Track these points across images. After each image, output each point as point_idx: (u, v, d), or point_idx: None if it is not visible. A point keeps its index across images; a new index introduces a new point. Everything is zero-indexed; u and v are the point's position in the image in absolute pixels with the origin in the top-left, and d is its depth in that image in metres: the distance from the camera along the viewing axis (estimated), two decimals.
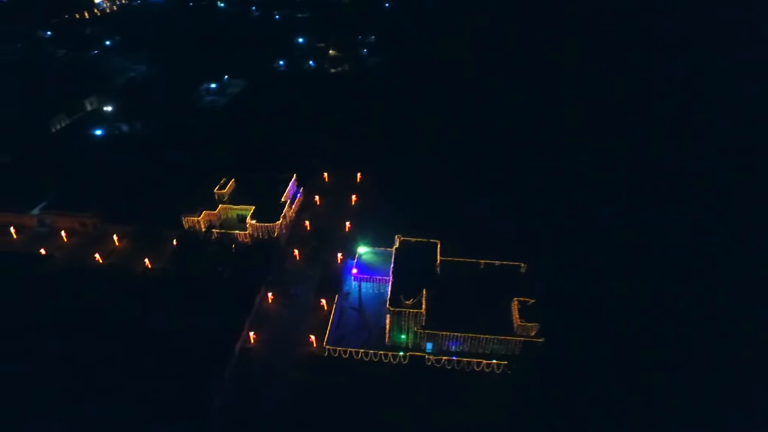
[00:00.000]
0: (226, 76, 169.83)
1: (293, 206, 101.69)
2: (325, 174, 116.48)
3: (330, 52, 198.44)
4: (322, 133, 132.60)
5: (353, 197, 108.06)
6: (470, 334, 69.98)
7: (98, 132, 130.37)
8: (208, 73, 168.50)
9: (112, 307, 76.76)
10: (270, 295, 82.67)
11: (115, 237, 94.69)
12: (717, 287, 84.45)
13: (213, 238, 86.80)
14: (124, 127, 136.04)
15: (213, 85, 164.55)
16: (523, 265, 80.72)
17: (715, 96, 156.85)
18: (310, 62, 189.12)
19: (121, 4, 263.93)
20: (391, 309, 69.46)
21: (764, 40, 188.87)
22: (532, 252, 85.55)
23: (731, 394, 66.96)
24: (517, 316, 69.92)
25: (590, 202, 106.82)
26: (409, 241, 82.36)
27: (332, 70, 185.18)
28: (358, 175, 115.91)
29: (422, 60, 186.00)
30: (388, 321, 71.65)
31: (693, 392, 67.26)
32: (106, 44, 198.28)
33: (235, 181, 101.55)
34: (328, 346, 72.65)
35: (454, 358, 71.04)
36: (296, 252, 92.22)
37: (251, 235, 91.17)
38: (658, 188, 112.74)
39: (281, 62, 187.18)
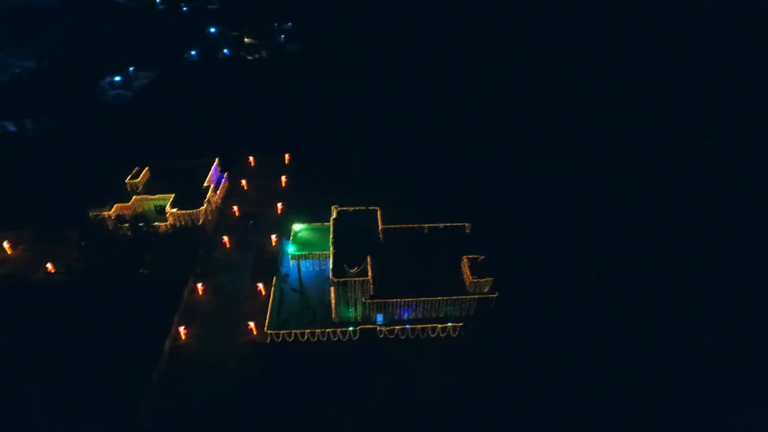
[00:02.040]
0: (131, 68, 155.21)
1: (218, 192, 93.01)
2: (251, 158, 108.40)
3: (245, 39, 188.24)
4: (243, 119, 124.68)
5: (283, 178, 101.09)
6: (422, 299, 66.14)
7: None
8: (110, 67, 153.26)
9: (10, 318, 65.35)
10: (200, 286, 74.25)
11: (5, 244, 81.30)
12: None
13: (123, 230, 76.32)
14: (11, 127, 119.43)
15: (117, 78, 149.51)
16: (467, 225, 78.18)
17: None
18: (225, 50, 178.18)
19: None
20: (334, 280, 63.94)
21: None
22: (475, 211, 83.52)
23: (692, 339, 67.46)
24: (469, 273, 67.01)
25: (530, 155, 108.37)
26: (347, 210, 77.23)
27: (249, 57, 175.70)
28: (286, 156, 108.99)
29: (342, 41, 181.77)
30: (332, 295, 66.09)
31: (646, 325, 68.05)
32: None
33: (150, 170, 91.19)
34: (269, 332, 65.86)
35: (408, 326, 66.89)
36: (225, 239, 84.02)
37: (173, 225, 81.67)
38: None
39: (193, 52, 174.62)
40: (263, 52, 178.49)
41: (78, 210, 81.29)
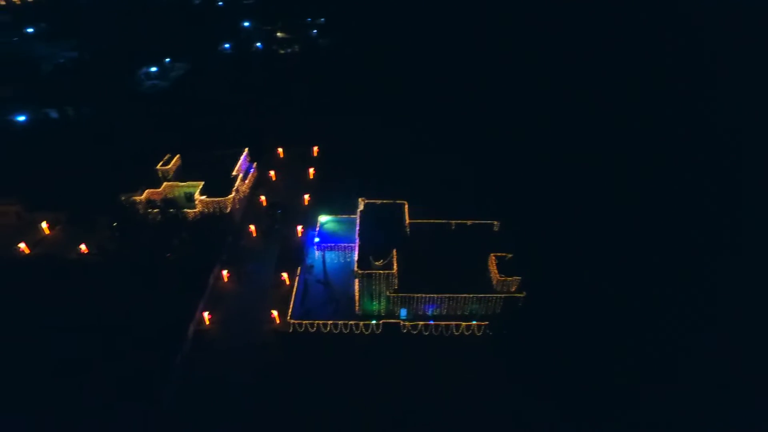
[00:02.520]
0: (167, 59, 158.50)
1: (246, 181, 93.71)
2: (280, 150, 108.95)
3: (278, 34, 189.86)
4: (274, 111, 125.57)
5: (311, 170, 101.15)
6: (447, 295, 64.87)
7: (21, 119, 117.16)
8: (147, 58, 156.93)
9: (45, 293, 67.40)
10: (225, 273, 74.85)
11: (44, 225, 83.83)
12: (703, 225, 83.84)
13: (152, 214, 77.48)
14: (53, 114, 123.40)
15: (153, 69, 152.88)
16: (496, 223, 76.51)
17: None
18: (258, 44, 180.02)
19: None
20: (359, 272, 63.31)
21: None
22: (504, 209, 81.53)
23: (731, 351, 64.37)
24: (496, 271, 65.40)
25: (562, 155, 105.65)
26: (375, 203, 76.56)
27: (281, 51, 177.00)
28: (315, 148, 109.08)
29: (375, 38, 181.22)
30: (356, 287, 65.52)
31: (678, 332, 65.10)
32: (27, 31, 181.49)
33: (181, 157, 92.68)
34: (292, 321, 65.77)
35: (431, 322, 65.73)
36: (252, 228, 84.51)
37: (202, 212, 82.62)
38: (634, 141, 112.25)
39: (227, 45, 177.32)
40: (295, 46, 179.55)
41: (111, 194, 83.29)
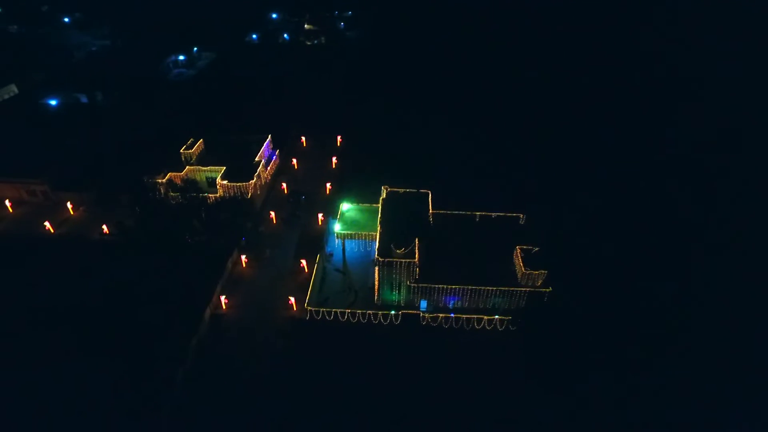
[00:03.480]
0: (195, 48, 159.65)
1: (268, 168, 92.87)
2: (303, 138, 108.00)
3: (306, 26, 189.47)
4: (299, 99, 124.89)
5: (334, 159, 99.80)
6: (470, 286, 62.47)
7: (53, 102, 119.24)
8: (175, 46, 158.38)
9: (66, 271, 67.83)
10: (244, 258, 74.03)
11: (69, 205, 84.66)
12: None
13: (174, 197, 77.18)
14: (83, 98, 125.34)
15: (181, 57, 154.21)
16: (522, 216, 73.65)
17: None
18: (285, 35, 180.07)
19: None
20: (380, 260, 61.42)
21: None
22: (531, 203, 78.67)
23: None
24: (522, 264, 62.68)
25: (589, 147, 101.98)
26: (398, 192, 74.58)
27: (308, 43, 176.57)
28: (339, 138, 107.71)
29: (403, 31, 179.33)
30: (376, 276, 63.68)
31: (716, 338, 61.25)
32: (64, 20, 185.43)
33: (204, 142, 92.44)
34: (309, 308, 64.38)
35: (452, 315, 63.44)
36: (272, 214, 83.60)
37: (222, 197, 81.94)
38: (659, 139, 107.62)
39: (254, 36, 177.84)
40: (322, 38, 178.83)
41: (134, 177, 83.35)
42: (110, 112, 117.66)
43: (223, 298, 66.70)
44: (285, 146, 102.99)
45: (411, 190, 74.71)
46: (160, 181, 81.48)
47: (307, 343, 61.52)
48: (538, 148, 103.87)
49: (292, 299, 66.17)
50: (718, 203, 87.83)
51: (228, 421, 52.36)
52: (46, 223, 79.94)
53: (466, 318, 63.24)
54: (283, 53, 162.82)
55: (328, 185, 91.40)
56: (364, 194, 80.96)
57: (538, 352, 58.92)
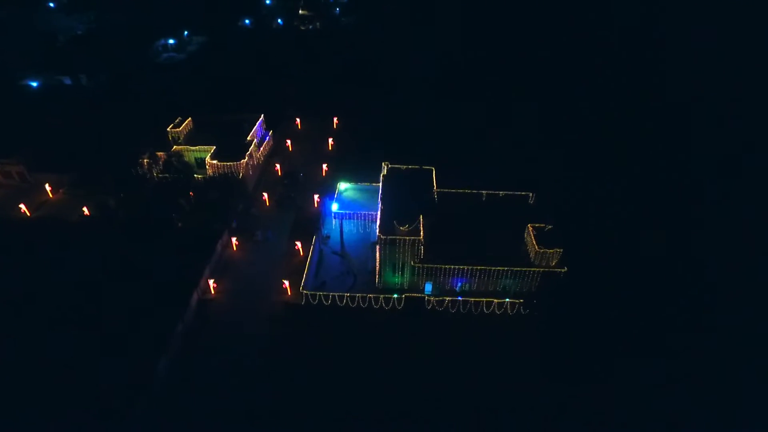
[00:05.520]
0: (186, 32, 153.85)
1: (261, 149, 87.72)
2: (298, 120, 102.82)
3: (300, 11, 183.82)
4: (293, 82, 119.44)
5: (330, 141, 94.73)
6: (479, 267, 57.76)
7: (33, 84, 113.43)
8: (165, 30, 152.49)
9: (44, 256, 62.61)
10: (234, 241, 69.02)
11: (48, 187, 79.21)
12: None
13: (159, 176, 72.04)
14: (67, 80, 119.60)
15: (171, 41, 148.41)
16: (531, 194, 69.05)
17: None
18: (279, 20, 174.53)
19: None
20: (382, 238, 56.55)
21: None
22: (541, 181, 74.00)
23: None
24: (534, 242, 58.02)
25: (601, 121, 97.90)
26: (399, 168, 69.79)
27: (302, 28, 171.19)
28: (335, 120, 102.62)
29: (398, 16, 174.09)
30: (377, 256, 58.82)
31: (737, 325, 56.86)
32: (49, 5, 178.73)
33: (192, 121, 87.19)
34: (305, 291, 59.47)
35: (460, 298, 58.71)
36: (265, 196, 78.57)
37: (212, 177, 76.85)
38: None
39: (246, 21, 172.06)
40: (317, 23, 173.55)
41: (117, 157, 78.00)
42: (95, 94, 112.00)
43: (211, 282, 61.69)
44: (279, 127, 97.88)
45: (413, 166, 69.84)
46: (144, 161, 76.16)
47: (302, 330, 56.74)
48: (547, 122, 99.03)
49: (287, 283, 61.26)
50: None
51: (215, 416, 47.38)
52: (22, 206, 74.50)
53: (475, 301, 58.54)
54: (277, 38, 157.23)
55: (325, 166, 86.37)
56: (362, 173, 76.11)
57: (555, 337, 54.15)
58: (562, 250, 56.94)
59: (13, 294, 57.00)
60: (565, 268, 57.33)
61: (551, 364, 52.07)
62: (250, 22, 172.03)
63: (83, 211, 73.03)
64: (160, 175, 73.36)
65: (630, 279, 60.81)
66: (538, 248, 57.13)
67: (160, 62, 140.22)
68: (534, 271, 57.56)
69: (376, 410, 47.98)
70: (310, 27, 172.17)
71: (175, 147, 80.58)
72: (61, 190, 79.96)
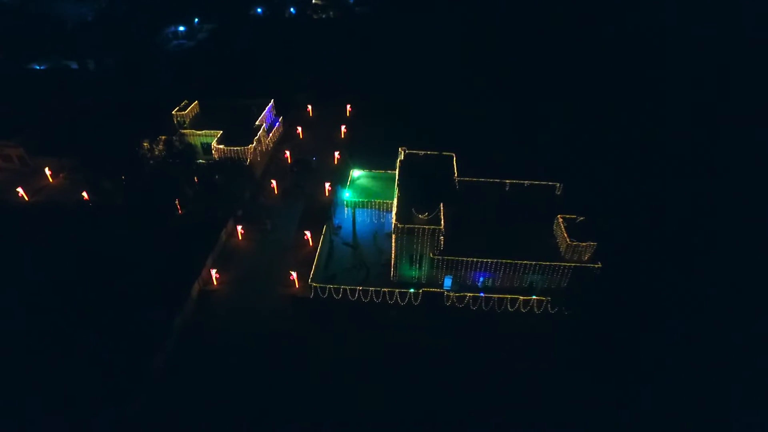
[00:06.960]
0: (196, 20, 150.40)
1: (270, 135, 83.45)
2: (309, 107, 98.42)
3: (313, 0, 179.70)
4: (305, 68, 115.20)
5: (343, 128, 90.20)
6: (504, 260, 52.82)
7: (38, 67, 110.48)
8: (175, 17, 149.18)
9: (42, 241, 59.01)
10: (240, 229, 64.81)
11: (47, 171, 75.76)
12: None
13: (164, 161, 67.88)
14: (73, 65, 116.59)
15: (181, 28, 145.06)
16: (558, 185, 63.87)
17: None
18: (291, 9, 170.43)
19: None
20: (399, 226, 51.81)
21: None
22: (566, 171, 68.78)
23: None
24: (565, 235, 52.94)
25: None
26: (417, 153, 64.97)
27: (315, 17, 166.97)
28: (348, 107, 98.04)
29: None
30: (393, 247, 54.05)
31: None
32: None
33: (199, 104, 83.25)
34: (314, 284, 54.99)
35: (482, 294, 53.82)
36: (274, 183, 74.30)
37: (218, 162, 72.66)
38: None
39: (259, 9, 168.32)
40: (330, 12, 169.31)
41: (121, 141, 74.20)
42: (101, 79, 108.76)
43: (214, 272, 57.51)
44: (290, 113, 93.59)
45: (432, 152, 65.00)
46: (147, 145, 72.10)
47: (310, 325, 52.31)
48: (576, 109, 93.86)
49: (294, 275, 56.85)
50: None
51: (215, 413, 43.18)
52: (19, 190, 71.04)
53: (498, 298, 53.62)
54: (290, 26, 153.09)
55: (337, 154, 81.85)
56: (377, 161, 71.47)
57: (590, 340, 48.91)
58: (596, 243, 51.73)
59: (6, 284, 53.42)
60: (599, 264, 52.12)
61: (587, 371, 46.87)
62: (262, 11, 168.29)
63: (83, 196, 69.39)
64: (163, 154, 69.21)
65: (669, 278, 55.27)
66: (570, 241, 52.00)
67: (169, 49, 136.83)
68: (565, 266, 52.42)
69: (391, 414, 43.40)
70: (323, 16, 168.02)
71: (180, 131, 76.62)
72: (61, 175, 76.41)
